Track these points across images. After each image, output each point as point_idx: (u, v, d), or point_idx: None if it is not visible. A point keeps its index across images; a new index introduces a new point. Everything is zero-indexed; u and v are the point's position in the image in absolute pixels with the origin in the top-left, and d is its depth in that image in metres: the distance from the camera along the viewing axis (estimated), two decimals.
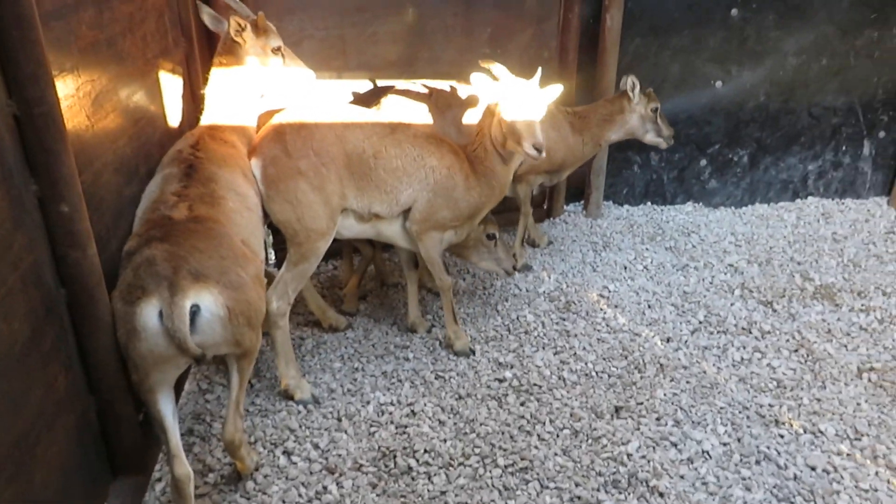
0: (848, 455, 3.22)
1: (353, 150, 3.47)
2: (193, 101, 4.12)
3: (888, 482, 3.06)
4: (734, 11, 5.30)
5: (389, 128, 3.60)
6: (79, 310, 2.37)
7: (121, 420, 2.62)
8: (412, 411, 3.50)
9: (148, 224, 2.69)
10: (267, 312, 3.11)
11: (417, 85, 4.40)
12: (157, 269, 2.42)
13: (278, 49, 3.53)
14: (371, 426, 3.40)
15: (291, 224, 3.38)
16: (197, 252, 2.53)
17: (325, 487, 3.02)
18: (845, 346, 4.04)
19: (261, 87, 3.52)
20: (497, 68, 3.60)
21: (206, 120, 3.43)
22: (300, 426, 3.40)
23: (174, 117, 3.75)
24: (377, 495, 2.99)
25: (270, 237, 5.03)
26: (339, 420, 3.45)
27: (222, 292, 2.50)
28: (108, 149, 2.83)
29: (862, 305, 4.44)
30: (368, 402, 3.56)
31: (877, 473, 3.11)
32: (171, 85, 3.72)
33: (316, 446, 3.27)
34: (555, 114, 4.53)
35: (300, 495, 2.98)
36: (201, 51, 4.24)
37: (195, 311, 2.43)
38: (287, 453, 3.22)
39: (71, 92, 2.47)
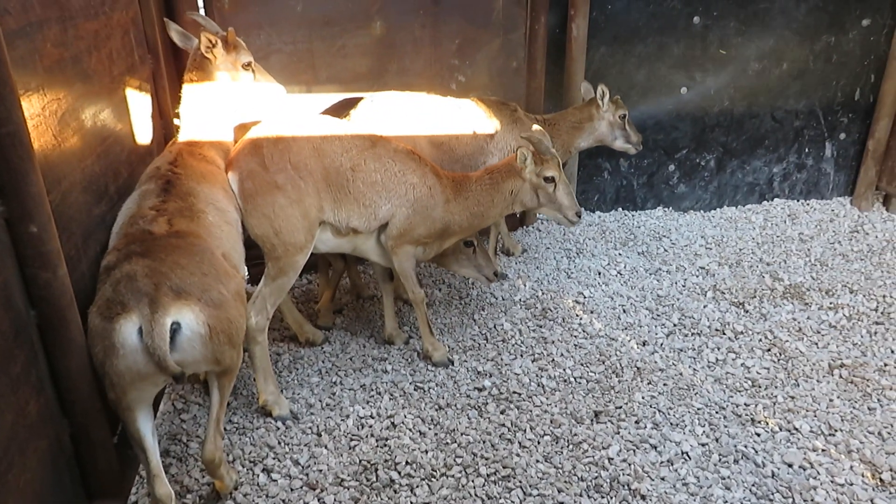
0: (823, 451, 3.28)
1: (330, 164, 3.46)
2: (161, 118, 4.09)
3: (863, 476, 3.12)
4: (696, 19, 5.41)
5: (370, 141, 3.60)
6: (50, 331, 2.33)
7: (95, 444, 2.57)
8: (392, 423, 3.48)
9: (127, 238, 2.66)
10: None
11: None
12: (138, 284, 2.39)
13: (248, 64, 3.52)
14: (351, 440, 3.38)
15: (269, 238, 3.36)
16: (178, 268, 2.50)
17: None
18: (816, 344, 4.12)
19: (233, 103, 3.50)
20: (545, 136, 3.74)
21: (183, 136, 3.40)
22: (279, 443, 3.36)
23: (142, 135, 3.71)
24: None
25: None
26: (319, 435, 3.41)
27: (203, 310, 2.47)
28: (76, 168, 2.79)
29: (830, 303, 4.53)
30: (348, 416, 3.53)
31: (851, 468, 3.17)
32: (139, 102, 3.68)
33: (296, 462, 3.23)
34: (524, 121, 4.57)
35: None
36: (168, 68, 4.21)
37: (175, 329, 2.40)
38: (267, 471, 3.18)
39: (37, 111, 2.43)
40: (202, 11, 4.41)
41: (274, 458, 3.25)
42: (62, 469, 2.45)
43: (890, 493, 3.03)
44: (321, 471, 3.18)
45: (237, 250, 3.09)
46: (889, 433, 3.37)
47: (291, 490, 3.07)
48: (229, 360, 2.63)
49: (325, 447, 3.33)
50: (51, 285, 2.27)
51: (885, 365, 3.88)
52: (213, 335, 2.49)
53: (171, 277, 2.45)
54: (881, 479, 3.09)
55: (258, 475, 3.15)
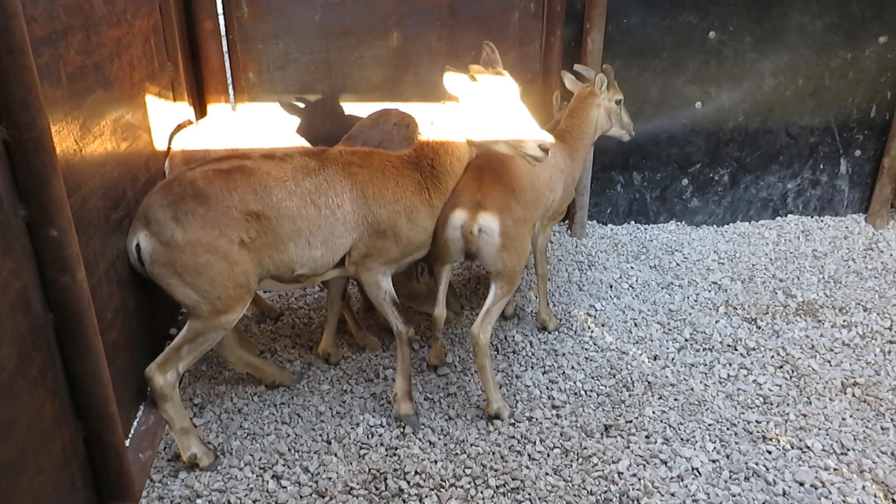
0: (835, 470, 3.25)
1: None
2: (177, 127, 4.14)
3: (875, 496, 3.09)
4: (712, 34, 5.41)
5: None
6: (67, 335, 2.36)
7: (108, 447, 2.59)
8: (402, 433, 3.49)
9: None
10: None
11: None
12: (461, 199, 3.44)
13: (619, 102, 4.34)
14: (361, 448, 3.38)
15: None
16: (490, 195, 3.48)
17: None
18: (829, 362, 4.09)
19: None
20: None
21: None
22: (289, 450, 3.37)
23: (161, 141, 3.76)
24: None
25: None
26: (329, 443, 3.42)
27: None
28: (96, 173, 2.84)
29: (844, 321, 4.50)
30: (358, 425, 3.54)
31: (864, 488, 3.14)
32: (158, 109, 3.73)
33: (305, 470, 3.24)
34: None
35: None
36: (186, 75, 4.27)
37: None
38: (276, 477, 3.19)
39: (59, 117, 2.48)
40: (222, 20, 4.48)
41: (284, 465, 3.26)
42: (75, 472, 2.47)
43: None
44: (330, 478, 3.18)
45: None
46: None
47: (301, 497, 3.08)
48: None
49: (335, 455, 3.33)
50: (69, 289, 2.30)
51: None
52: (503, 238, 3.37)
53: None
54: (893, 500, 3.06)
55: (268, 481, 3.16)
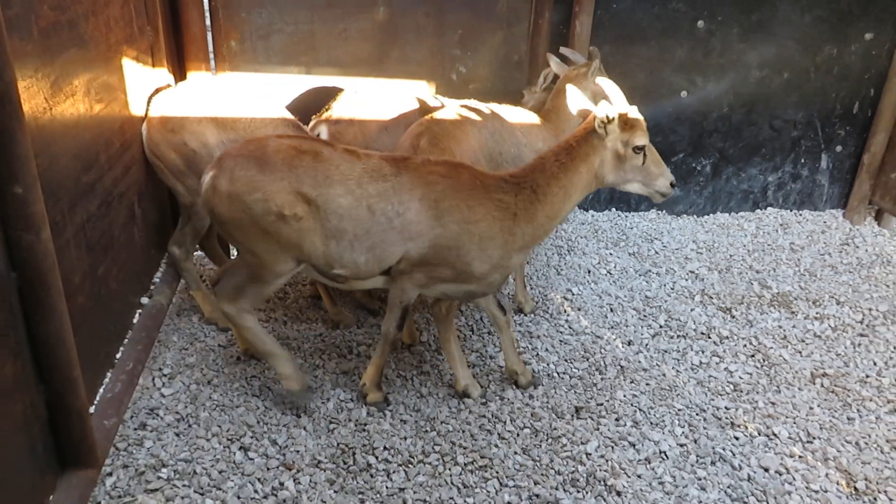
0: (800, 457, 3.29)
1: None
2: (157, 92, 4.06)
3: (838, 484, 3.13)
4: (700, 23, 5.40)
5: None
6: (30, 295, 2.30)
7: (71, 411, 2.54)
8: (372, 410, 3.47)
9: None
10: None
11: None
12: None
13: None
14: (331, 423, 3.37)
15: None
16: None
17: (281, 483, 2.98)
18: (800, 353, 4.13)
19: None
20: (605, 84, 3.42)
21: None
22: (258, 422, 3.34)
23: (137, 106, 3.69)
24: (335, 492, 2.96)
25: None
26: (298, 416, 3.40)
27: None
28: (67, 134, 2.77)
29: (816, 313, 4.54)
30: (329, 399, 3.52)
31: (827, 475, 3.18)
32: (135, 73, 3.65)
33: (274, 442, 3.22)
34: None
35: (256, 491, 2.93)
36: (167, 41, 4.18)
37: None
38: (244, 449, 3.17)
39: (29, 73, 2.41)
40: None
41: (252, 437, 3.24)
42: (35, 436, 2.42)
43: (864, 501, 3.04)
44: (298, 452, 3.17)
45: None
46: (866, 443, 3.38)
47: (268, 469, 3.06)
48: None
49: (304, 429, 3.32)
50: (33, 248, 2.24)
51: (867, 376, 3.89)
52: None
53: None
54: (856, 488, 3.11)
55: (235, 453, 3.13)
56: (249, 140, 3.19)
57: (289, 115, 3.98)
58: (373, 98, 4.21)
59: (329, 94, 4.38)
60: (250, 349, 3.74)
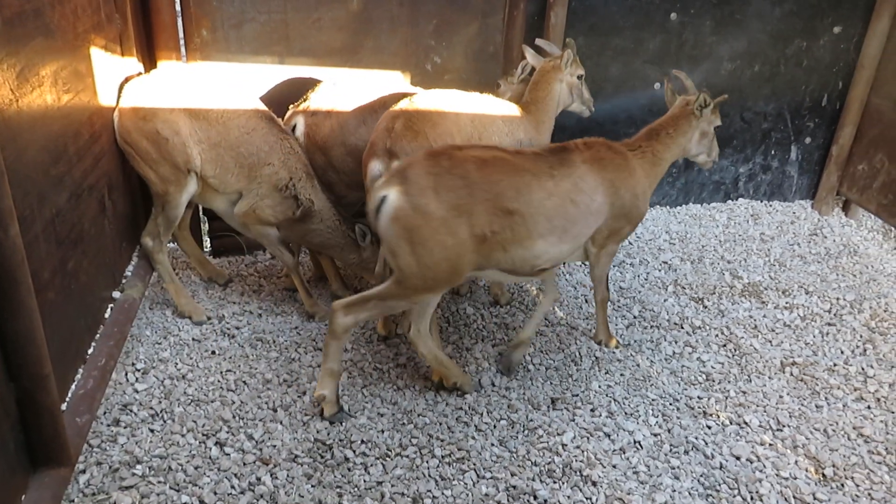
0: (770, 445, 3.36)
1: None
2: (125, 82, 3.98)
3: (806, 470, 3.21)
4: (673, 15, 5.43)
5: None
6: None
7: (42, 409, 2.50)
8: (349, 403, 3.47)
9: None
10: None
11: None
12: None
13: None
14: (307, 417, 3.35)
15: None
16: None
17: (258, 479, 2.96)
18: (770, 342, 4.21)
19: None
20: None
21: None
22: (234, 417, 3.32)
23: (106, 96, 3.61)
24: (312, 486, 2.95)
25: (206, 225, 4.91)
26: (275, 411, 3.38)
27: None
28: (35, 125, 2.70)
29: (786, 303, 4.63)
30: (305, 393, 3.51)
31: (796, 462, 3.25)
32: (104, 62, 3.57)
33: (250, 437, 3.20)
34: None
35: (233, 487, 2.92)
36: (136, 29, 4.10)
37: None
38: (220, 444, 3.14)
39: None
40: None
41: (228, 432, 3.22)
42: (6, 434, 2.38)
43: (831, 488, 3.12)
44: (275, 446, 3.15)
45: None
46: (834, 430, 3.46)
47: (244, 464, 3.04)
48: None
49: (281, 423, 3.30)
50: (1, 244, 2.19)
51: (835, 365, 3.98)
52: None
53: None
54: (824, 475, 3.18)
55: (210, 448, 3.11)
56: (435, 153, 3.11)
57: (262, 107, 3.94)
58: (351, 90, 4.18)
59: (306, 86, 4.34)
60: (452, 385, 3.59)
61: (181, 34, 4.39)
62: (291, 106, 4.24)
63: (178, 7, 4.32)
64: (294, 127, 4.10)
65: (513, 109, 4.09)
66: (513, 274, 3.39)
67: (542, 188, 3.18)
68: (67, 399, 2.90)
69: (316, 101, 4.10)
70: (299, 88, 4.41)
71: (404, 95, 3.86)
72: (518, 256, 3.22)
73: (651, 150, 3.77)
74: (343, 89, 4.17)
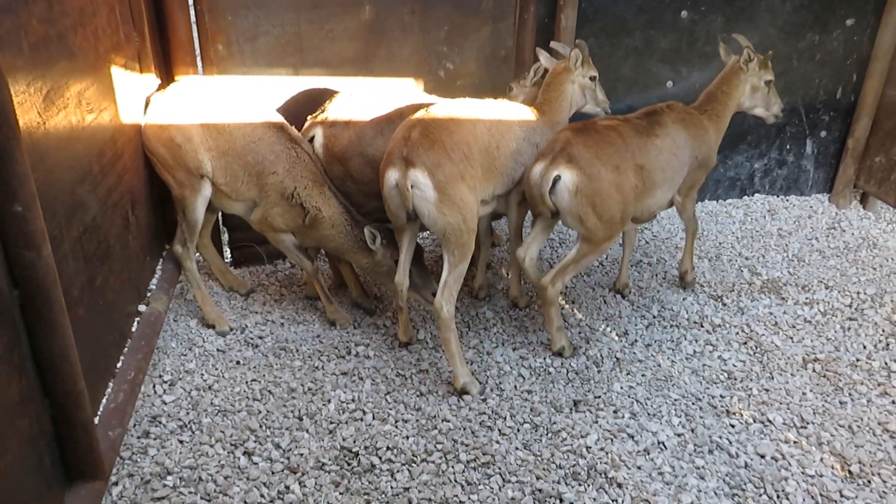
0: (795, 443, 3.36)
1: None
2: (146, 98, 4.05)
3: (832, 468, 3.21)
4: (684, 13, 5.43)
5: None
6: (33, 312, 2.31)
7: (76, 425, 2.55)
8: (374, 409, 3.50)
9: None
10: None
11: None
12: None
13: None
14: (332, 424, 3.40)
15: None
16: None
17: (287, 487, 3.01)
18: (791, 338, 4.20)
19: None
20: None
21: None
22: (260, 426, 3.37)
23: (127, 114, 3.68)
24: (340, 493, 2.99)
25: (226, 235, 4.97)
26: (300, 419, 3.43)
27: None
28: (61, 147, 2.77)
29: (806, 299, 4.62)
30: (329, 401, 3.55)
31: (822, 459, 3.25)
32: (124, 81, 3.64)
33: (277, 446, 3.25)
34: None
35: (262, 496, 2.96)
36: (153, 46, 4.16)
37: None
38: (248, 454, 3.19)
39: (21, 88, 2.40)
40: None
41: (255, 441, 3.27)
42: (42, 450, 2.44)
43: (858, 484, 3.12)
44: (302, 454, 3.20)
45: None
46: (859, 426, 3.45)
47: (272, 473, 3.09)
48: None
49: (307, 431, 3.35)
50: (35, 265, 2.25)
51: (857, 360, 3.97)
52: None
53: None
54: (850, 471, 3.18)
55: (239, 458, 3.16)
56: (578, 129, 3.78)
57: (275, 117, 4.02)
58: (368, 100, 4.22)
59: (322, 96, 4.39)
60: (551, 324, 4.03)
61: (197, 49, 4.45)
62: (309, 117, 4.28)
63: (193, 23, 4.38)
64: (312, 138, 4.15)
65: (527, 112, 4.12)
66: (636, 223, 4.29)
67: (655, 146, 3.89)
68: (99, 413, 2.96)
69: (334, 111, 4.15)
70: (316, 99, 4.46)
71: (421, 106, 3.89)
72: (646, 206, 3.97)
73: (713, 109, 4.33)
74: (360, 100, 4.21)
